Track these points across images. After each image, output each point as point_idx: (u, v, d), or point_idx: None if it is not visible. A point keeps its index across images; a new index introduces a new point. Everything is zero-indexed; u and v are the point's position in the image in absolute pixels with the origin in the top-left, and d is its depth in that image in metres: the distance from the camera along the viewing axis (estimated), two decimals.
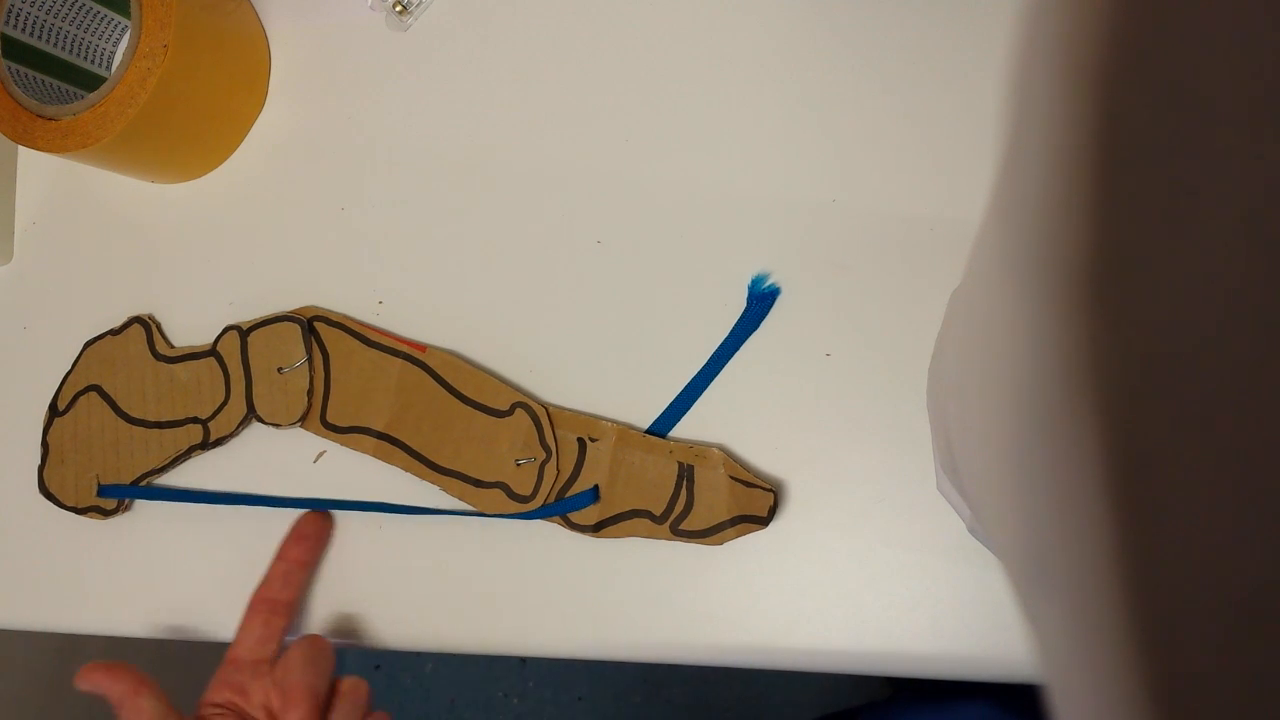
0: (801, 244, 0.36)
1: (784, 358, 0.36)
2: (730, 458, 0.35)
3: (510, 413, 0.38)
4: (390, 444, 0.40)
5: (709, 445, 0.36)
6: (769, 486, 0.35)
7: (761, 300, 0.36)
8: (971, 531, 0.31)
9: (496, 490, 0.38)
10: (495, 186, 0.41)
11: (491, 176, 0.41)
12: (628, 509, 0.36)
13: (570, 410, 0.38)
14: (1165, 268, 0.11)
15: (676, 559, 0.36)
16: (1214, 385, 0.10)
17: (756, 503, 0.35)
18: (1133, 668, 0.11)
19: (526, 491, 0.37)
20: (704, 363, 0.37)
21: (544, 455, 0.37)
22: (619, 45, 0.40)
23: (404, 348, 0.40)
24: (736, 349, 0.36)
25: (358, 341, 0.41)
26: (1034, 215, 0.13)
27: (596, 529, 0.37)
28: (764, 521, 0.34)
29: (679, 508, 0.36)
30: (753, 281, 0.36)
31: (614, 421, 0.37)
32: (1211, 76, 0.10)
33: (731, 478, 0.35)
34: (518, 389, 0.39)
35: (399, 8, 0.43)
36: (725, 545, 0.35)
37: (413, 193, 0.42)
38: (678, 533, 0.36)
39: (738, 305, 0.37)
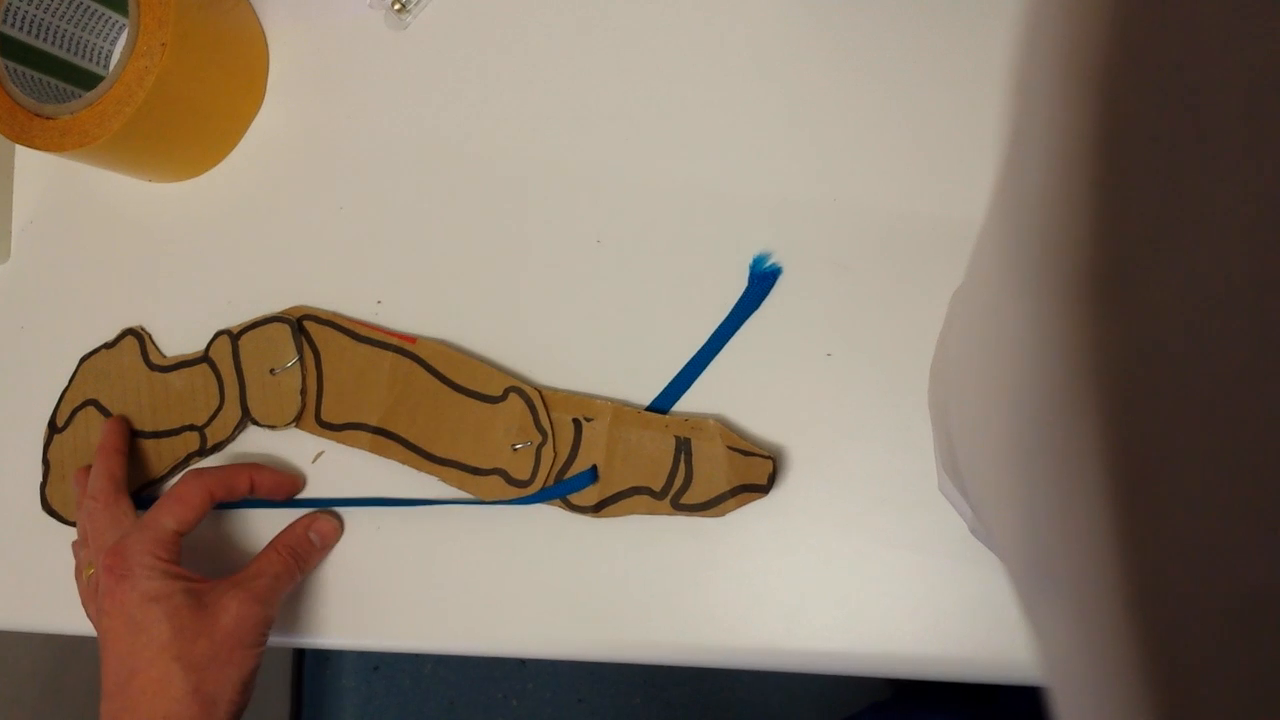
0: (802, 243, 0.36)
1: (784, 358, 0.36)
2: (727, 428, 0.35)
3: (504, 398, 0.38)
4: (386, 438, 0.40)
5: (705, 417, 0.36)
6: (767, 454, 0.34)
7: (763, 280, 0.35)
8: (972, 531, 0.31)
9: (495, 476, 0.38)
10: (495, 186, 0.41)
11: (491, 176, 0.41)
12: (627, 487, 0.36)
13: (564, 391, 0.38)
14: (1165, 267, 0.11)
15: (677, 559, 0.36)
16: (1215, 383, 0.10)
17: (755, 471, 0.34)
18: (1134, 667, 0.11)
19: (525, 476, 0.37)
20: (703, 344, 0.37)
21: (540, 438, 0.37)
22: (618, 45, 0.40)
23: (394, 340, 0.40)
24: (737, 328, 0.36)
25: (348, 337, 0.41)
26: (1035, 214, 0.13)
27: (597, 509, 0.36)
28: (764, 489, 0.34)
29: (678, 482, 0.35)
30: (754, 261, 0.36)
31: (608, 400, 0.37)
32: (1210, 75, 0.10)
33: (729, 448, 0.35)
34: (513, 375, 0.39)
35: (398, 7, 0.43)
36: (725, 545, 0.35)
37: (411, 192, 0.42)
38: (678, 507, 0.35)
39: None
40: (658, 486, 0.36)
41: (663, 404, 0.37)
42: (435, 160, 0.42)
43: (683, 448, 0.35)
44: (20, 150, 0.50)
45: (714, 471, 0.35)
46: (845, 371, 0.35)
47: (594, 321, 0.39)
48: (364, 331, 0.41)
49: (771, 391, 0.36)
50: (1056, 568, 0.14)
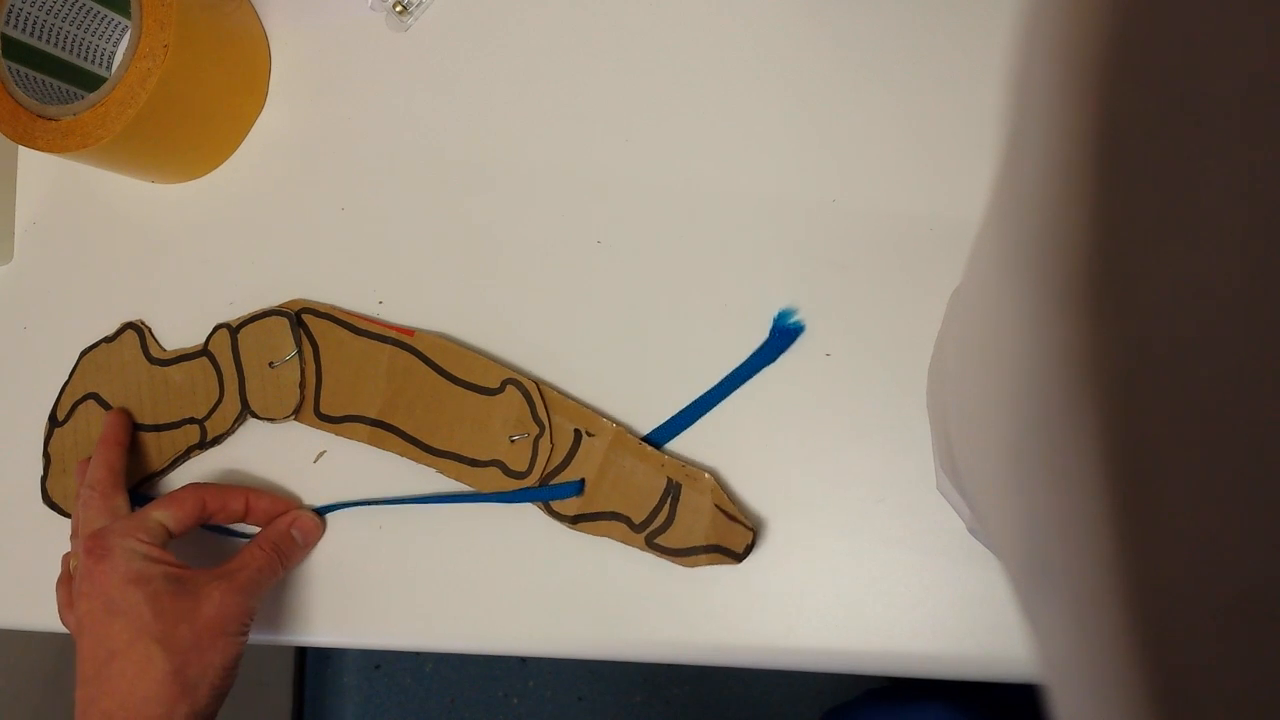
0: (801, 244, 0.36)
1: (784, 359, 0.36)
2: (721, 486, 0.35)
3: (501, 390, 0.38)
4: (384, 430, 0.40)
5: (703, 469, 0.36)
6: (750, 525, 0.35)
7: (783, 335, 0.35)
8: (971, 531, 0.31)
9: (493, 468, 0.38)
10: (496, 187, 0.41)
11: (492, 177, 0.41)
12: (609, 509, 0.36)
13: (573, 400, 0.38)
14: (1163, 265, 0.11)
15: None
16: (1212, 384, 0.10)
17: (735, 537, 0.35)
18: (1132, 667, 0.11)
19: (522, 468, 0.37)
20: (710, 382, 0.36)
21: (537, 430, 0.37)
22: (619, 45, 0.40)
23: (392, 333, 0.40)
24: (749, 377, 0.36)
25: (346, 330, 0.41)
26: (1033, 213, 0.13)
27: (574, 521, 0.37)
28: (738, 557, 0.34)
29: (659, 521, 0.36)
30: (779, 314, 0.35)
31: (614, 420, 0.37)
32: (1207, 74, 0.10)
33: (716, 506, 0.35)
34: (510, 367, 0.39)
35: (399, 8, 0.43)
36: None
37: (413, 193, 0.42)
38: (651, 545, 0.36)
39: (738, 306, 0.37)
40: (638, 519, 0.36)
41: (661, 436, 0.37)
42: (437, 161, 0.42)
43: (672, 490, 0.36)
44: (23, 151, 0.50)
45: (695, 523, 0.35)
46: (845, 371, 0.35)
47: (593, 322, 0.39)
48: (362, 324, 0.41)
49: (771, 393, 0.36)
50: (1054, 566, 0.14)
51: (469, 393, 0.39)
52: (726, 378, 0.36)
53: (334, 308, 0.42)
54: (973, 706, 0.45)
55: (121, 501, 0.40)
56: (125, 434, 0.43)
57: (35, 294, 0.49)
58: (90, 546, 0.36)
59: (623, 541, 0.36)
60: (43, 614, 0.45)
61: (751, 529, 0.34)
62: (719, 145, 0.38)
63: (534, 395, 0.37)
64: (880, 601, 0.34)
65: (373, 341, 0.40)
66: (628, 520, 0.36)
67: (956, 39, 0.36)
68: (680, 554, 0.35)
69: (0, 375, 0.48)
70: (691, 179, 0.38)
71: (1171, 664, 0.11)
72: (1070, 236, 0.12)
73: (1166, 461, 0.11)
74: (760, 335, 0.37)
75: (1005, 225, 0.15)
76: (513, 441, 0.38)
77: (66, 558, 0.42)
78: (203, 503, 0.39)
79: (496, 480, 0.38)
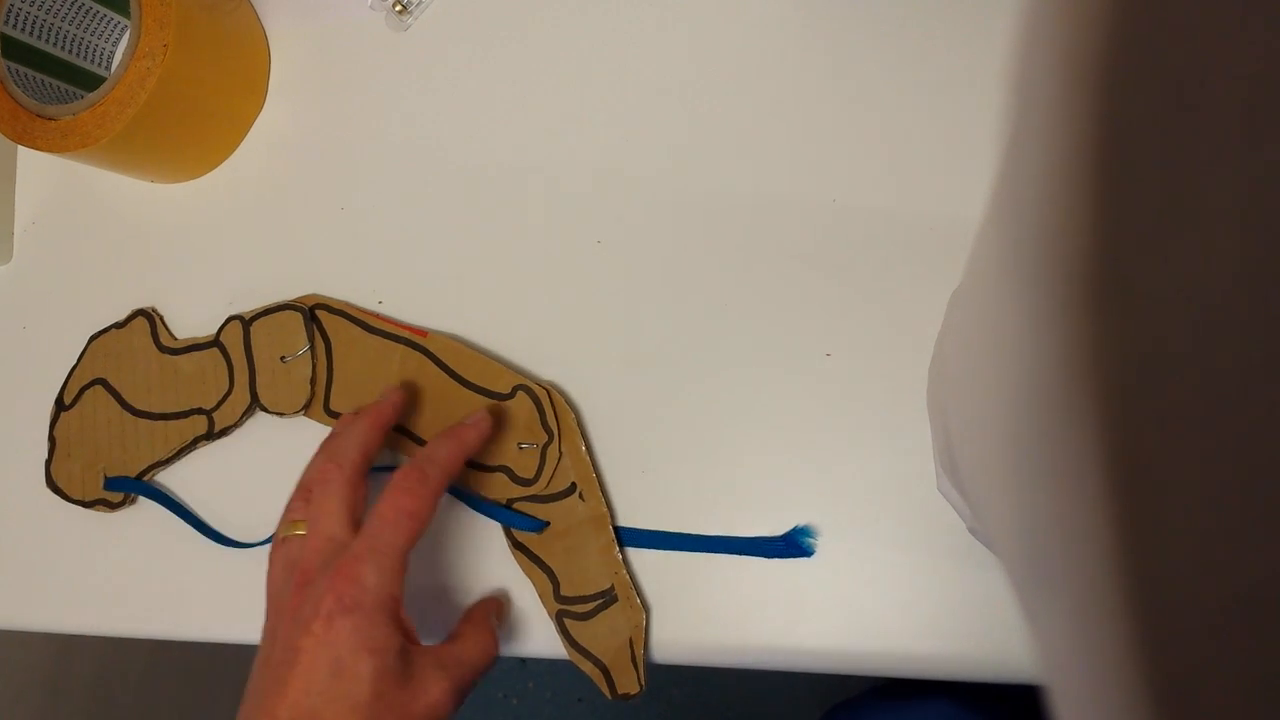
0: (802, 244, 0.37)
1: (784, 359, 0.36)
2: (646, 632, 0.35)
3: (511, 395, 0.38)
4: (393, 430, 0.40)
5: (643, 605, 0.36)
6: (640, 682, 0.35)
7: (791, 547, 0.35)
8: (971, 531, 0.31)
9: (500, 474, 0.38)
10: (495, 186, 0.41)
11: (492, 176, 0.41)
12: (549, 564, 0.37)
13: (586, 453, 0.37)
14: (1162, 266, 0.11)
15: (676, 558, 0.36)
16: (1212, 383, 0.10)
17: (625, 678, 0.35)
18: (1132, 666, 0.11)
19: (529, 474, 0.37)
20: (704, 536, 0.36)
21: (545, 438, 0.37)
22: (619, 45, 0.40)
23: (405, 333, 0.40)
24: (738, 552, 0.35)
25: (359, 328, 0.41)
26: (1033, 214, 0.13)
27: (516, 545, 0.37)
28: (609, 689, 0.35)
29: (580, 609, 0.36)
30: (800, 529, 0.35)
31: (608, 501, 0.37)
32: (1207, 75, 0.10)
33: (630, 642, 0.35)
34: (522, 372, 0.39)
35: (399, 8, 0.43)
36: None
37: (412, 193, 0.42)
38: (558, 619, 0.36)
39: (738, 306, 0.37)
40: (565, 591, 0.36)
41: (631, 538, 0.36)
42: (436, 161, 0.42)
43: (608, 598, 0.36)
44: (22, 151, 0.50)
45: (605, 638, 0.36)
46: (845, 371, 0.35)
47: (592, 321, 0.39)
48: (375, 323, 0.41)
49: (772, 394, 0.36)
50: (1054, 566, 0.14)
51: (479, 397, 0.39)
52: (720, 539, 0.36)
53: (348, 305, 0.42)
54: (976, 702, 0.45)
55: (361, 497, 0.35)
56: (396, 416, 0.38)
57: (35, 294, 0.49)
58: (343, 591, 0.32)
59: (539, 595, 0.37)
60: (43, 614, 0.45)
61: (639, 685, 0.35)
62: (719, 145, 0.38)
63: (544, 402, 0.37)
64: (879, 601, 0.34)
65: (385, 341, 0.40)
66: (556, 584, 0.37)
67: (956, 38, 0.36)
68: (575, 646, 0.36)
69: (0, 376, 0.48)
70: (691, 178, 0.38)
71: (1171, 664, 0.11)
72: (1070, 236, 0.12)
73: (1166, 461, 0.11)
74: (759, 336, 0.37)
75: (1005, 225, 0.15)
76: (521, 449, 0.38)
77: (295, 503, 0.36)
78: (436, 499, 0.34)
79: (503, 486, 0.38)
